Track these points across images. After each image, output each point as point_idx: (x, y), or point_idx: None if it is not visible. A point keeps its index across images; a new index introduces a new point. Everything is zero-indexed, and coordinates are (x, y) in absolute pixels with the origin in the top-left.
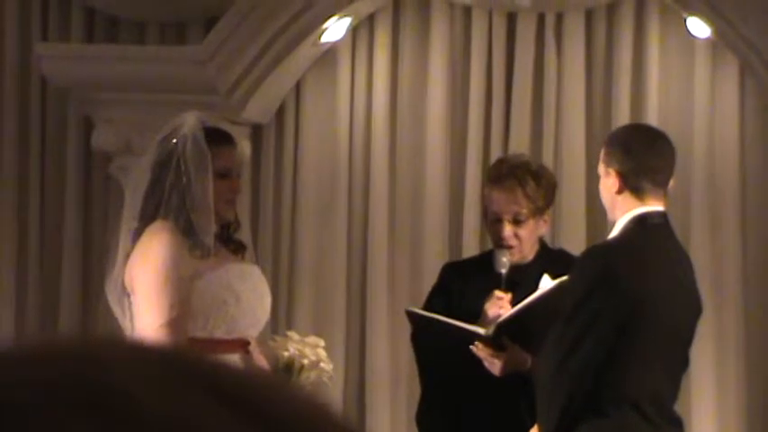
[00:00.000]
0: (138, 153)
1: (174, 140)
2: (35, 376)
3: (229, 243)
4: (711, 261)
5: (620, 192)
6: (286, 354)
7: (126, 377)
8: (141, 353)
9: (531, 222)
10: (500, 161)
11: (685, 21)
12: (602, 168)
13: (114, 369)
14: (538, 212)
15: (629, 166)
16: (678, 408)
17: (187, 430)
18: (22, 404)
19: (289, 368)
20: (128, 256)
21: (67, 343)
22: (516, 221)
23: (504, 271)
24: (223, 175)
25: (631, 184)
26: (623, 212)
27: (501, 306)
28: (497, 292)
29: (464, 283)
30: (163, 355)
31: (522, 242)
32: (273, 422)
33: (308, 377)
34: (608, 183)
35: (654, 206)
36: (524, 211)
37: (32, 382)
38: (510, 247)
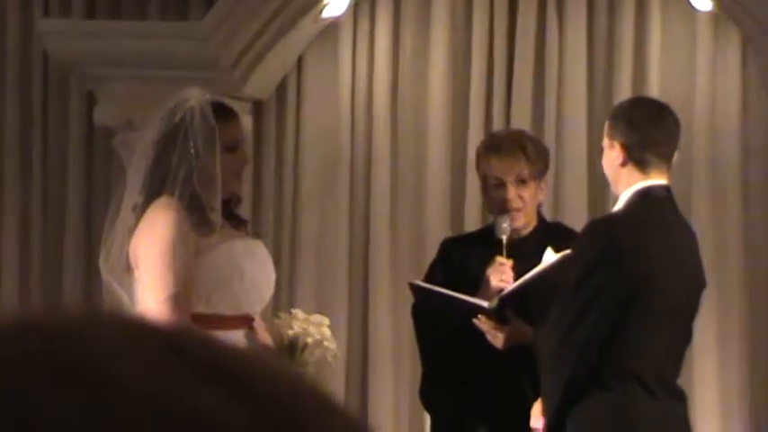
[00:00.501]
0: (140, 128)
1: (181, 115)
2: (9, 352)
3: (231, 218)
4: (713, 234)
5: (623, 164)
6: (290, 332)
7: (104, 349)
8: (124, 325)
9: (532, 185)
10: (491, 134)
11: None
12: (605, 141)
13: (90, 342)
14: (538, 175)
15: (634, 138)
16: (681, 381)
17: (169, 406)
18: None
19: (293, 346)
20: (130, 231)
21: (44, 317)
22: (520, 182)
23: (504, 237)
24: (231, 148)
25: (635, 157)
26: (626, 186)
27: (503, 272)
28: (499, 258)
29: (465, 254)
30: (147, 329)
31: (525, 204)
32: (262, 400)
33: (312, 355)
34: (611, 155)
35: (657, 180)
36: (526, 171)
37: (6, 357)
38: (516, 209)
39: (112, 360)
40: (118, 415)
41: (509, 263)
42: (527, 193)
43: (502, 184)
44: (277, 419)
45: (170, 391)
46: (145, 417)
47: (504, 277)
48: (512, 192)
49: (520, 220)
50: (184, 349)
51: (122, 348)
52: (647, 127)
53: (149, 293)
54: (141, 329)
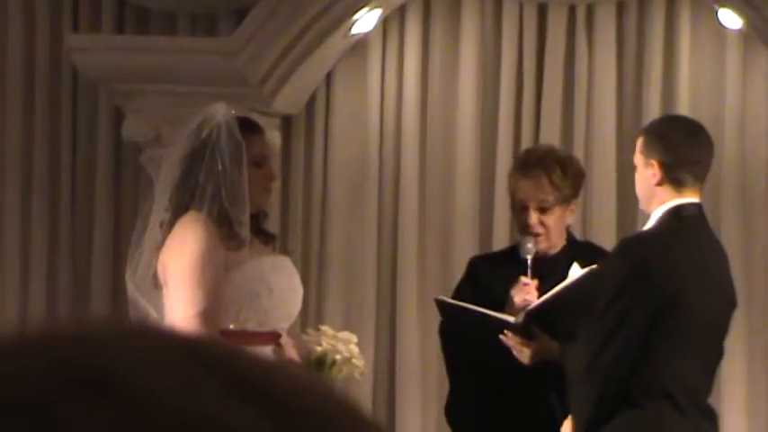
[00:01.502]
0: (168, 144)
1: (208, 131)
2: (35, 358)
3: (259, 234)
4: (742, 253)
5: (660, 183)
6: (319, 348)
7: (133, 361)
8: (151, 337)
9: (557, 210)
10: (527, 151)
11: (716, 12)
12: (640, 159)
13: (119, 353)
14: (564, 201)
15: (672, 157)
16: (710, 400)
17: (196, 420)
18: (21, 384)
19: (321, 363)
20: (158, 247)
21: (69, 328)
22: (542, 209)
23: (529, 257)
24: (258, 163)
25: (672, 176)
26: (659, 204)
27: (527, 292)
28: (523, 278)
29: (492, 273)
30: (176, 341)
31: (548, 230)
32: (291, 415)
33: (341, 372)
34: (647, 174)
35: (690, 198)
36: (550, 198)
37: (32, 364)
38: (537, 235)
39: (140, 372)
40: (145, 428)
41: (534, 283)
42: (550, 219)
43: (525, 208)
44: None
45: (197, 404)
46: (171, 430)
47: (528, 297)
48: (533, 217)
49: (542, 245)
50: (213, 362)
51: (151, 360)
52: (685, 145)
53: (178, 309)
54: (170, 341)
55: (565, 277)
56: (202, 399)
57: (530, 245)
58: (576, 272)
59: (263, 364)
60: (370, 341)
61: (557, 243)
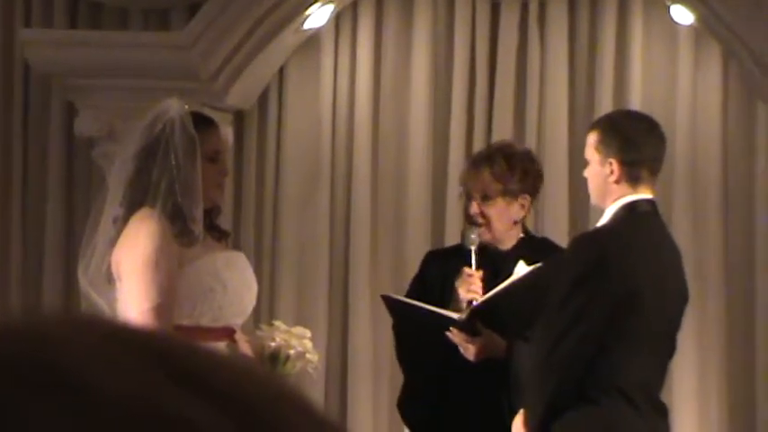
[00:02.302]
0: (121, 139)
1: (161, 126)
2: None
3: (212, 230)
4: (694, 248)
5: (617, 181)
6: (272, 344)
7: (76, 352)
8: (96, 329)
9: (500, 202)
10: (486, 146)
11: (669, 8)
12: (595, 156)
13: (61, 346)
14: (509, 194)
15: (632, 156)
16: (661, 394)
17: (145, 414)
18: None
19: (275, 358)
20: (112, 242)
21: (15, 322)
22: (484, 198)
23: (473, 248)
24: (212, 158)
25: (631, 174)
26: (614, 200)
27: (471, 283)
28: (467, 270)
29: (444, 269)
30: (128, 335)
31: (489, 221)
32: (243, 409)
33: (294, 367)
34: (604, 171)
35: (644, 194)
36: (491, 188)
37: None
38: (479, 225)
39: (90, 366)
40: (93, 421)
41: (478, 274)
42: (492, 210)
43: (469, 198)
44: (257, 429)
45: (146, 398)
46: (119, 423)
47: (472, 288)
48: (474, 207)
49: (485, 236)
50: (164, 356)
51: (101, 354)
52: (644, 143)
53: (132, 304)
54: (121, 335)
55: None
56: (152, 392)
57: (473, 235)
58: (521, 269)
59: (217, 360)
60: (323, 337)
61: (503, 237)
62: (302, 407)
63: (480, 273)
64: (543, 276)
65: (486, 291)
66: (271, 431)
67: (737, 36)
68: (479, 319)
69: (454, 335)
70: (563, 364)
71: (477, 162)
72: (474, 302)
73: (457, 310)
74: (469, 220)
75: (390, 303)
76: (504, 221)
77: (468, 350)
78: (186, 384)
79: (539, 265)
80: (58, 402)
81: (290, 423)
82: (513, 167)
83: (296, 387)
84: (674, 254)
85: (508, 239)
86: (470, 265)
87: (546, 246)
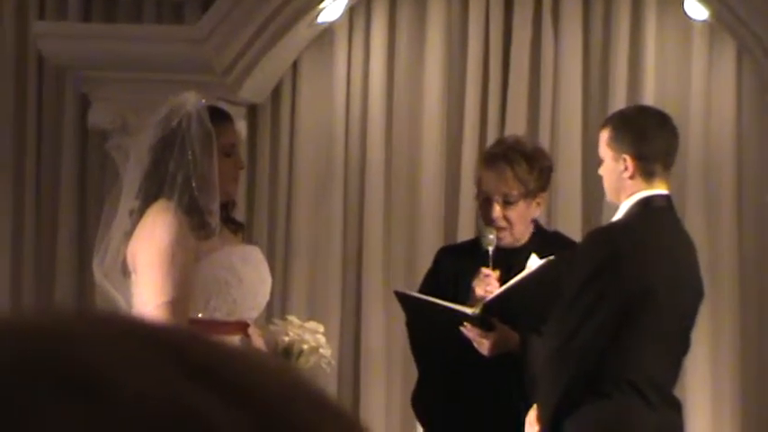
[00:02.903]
0: (135, 132)
1: (178, 119)
2: (3, 355)
3: (228, 223)
4: (707, 243)
5: (632, 177)
6: (286, 338)
7: (97, 352)
8: (114, 325)
9: (521, 204)
10: (496, 142)
11: (683, 3)
12: (608, 152)
13: (79, 343)
14: (529, 195)
15: (645, 151)
16: (675, 390)
17: (156, 406)
18: None
19: (288, 352)
20: (127, 235)
21: (33, 319)
22: (506, 203)
23: (490, 248)
24: (227, 152)
25: (645, 169)
26: (629, 195)
27: (488, 284)
28: (484, 270)
29: (458, 265)
30: (146, 331)
31: (512, 224)
32: (260, 404)
33: (308, 362)
34: (618, 167)
35: (659, 189)
36: (514, 192)
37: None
38: (500, 229)
39: (108, 362)
40: (110, 418)
41: (495, 274)
42: (514, 213)
43: (489, 201)
44: (274, 424)
45: (164, 394)
46: (136, 420)
47: (488, 288)
48: (497, 210)
49: (505, 239)
50: (182, 352)
51: (118, 350)
52: (656, 138)
53: (147, 297)
54: (139, 331)
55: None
56: (169, 389)
57: (491, 236)
58: (533, 263)
59: (236, 355)
60: (335, 331)
61: (521, 236)
62: (320, 402)
63: (497, 273)
64: (555, 269)
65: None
66: (288, 428)
67: (752, 31)
68: (493, 313)
69: (468, 330)
70: (575, 358)
71: (495, 163)
72: (487, 298)
73: (473, 307)
74: (489, 223)
75: (403, 299)
76: (525, 222)
77: (483, 345)
78: (204, 380)
79: (551, 258)
80: (75, 399)
81: (307, 419)
82: (532, 168)
83: (313, 382)
84: (688, 249)
85: (523, 237)
86: (487, 265)
87: (558, 240)
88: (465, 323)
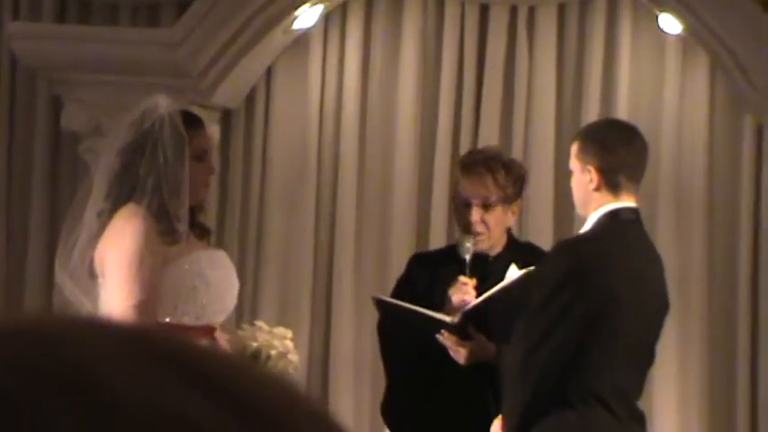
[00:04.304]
0: (108, 135)
1: (150, 123)
2: (1, 356)
3: (194, 228)
4: (677, 258)
5: (597, 188)
6: (254, 344)
7: (96, 357)
8: (107, 330)
9: (499, 209)
10: (471, 152)
11: (657, 17)
12: (576, 165)
13: (83, 348)
14: (506, 200)
15: (609, 162)
16: (641, 404)
17: (150, 410)
18: None
19: (256, 358)
20: (95, 236)
21: (32, 322)
22: (485, 206)
23: (468, 257)
24: (199, 157)
25: (610, 181)
26: (596, 208)
27: (465, 292)
28: (462, 278)
29: (431, 273)
30: (131, 332)
31: (490, 229)
32: (244, 404)
33: (276, 367)
34: (584, 179)
35: (627, 202)
36: (493, 197)
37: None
38: (478, 234)
39: (103, 366)
40: (103, 421)
41: (472, 282)
42: (492, 217)
43: (468, 205)
44: (262, 426)
45: (157, 399)
46: (130, 424)
47: (466, 297)
48: (476, 215)
49: (483, 244)
50: (176, 357)
51: (113, 355)
52: (621, 150)
53: (115, 301)
54: (134, 336)
55: (504, 278)
56: (163, 394)
57: (468, 244)
58: (513, 273)
59: (226, 361)
60: (305, 337)
61: (497, 243)
62: (312, 410)
63: (474, 281)
64: (533, 280)
65: (477, 297)
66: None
67: (725, 46)
68: (471, 322)
69: (445, 338)
70: (540, 369)
71: (475, 170)
72: (466, 307)
73: (449, 315)
74: (467, 229)
75: (381, 305)
76: (501, 228)
77: (459, 353)
78: (197, 386)
79: (530, 269)
80: (73, 400)
81: (300, 425)
82: (509, 174)
83: (302, 388)
84: (655, 262)
85: (497, 245)
86: (464, 273)
87: (531, 250)
88: (442, 331)
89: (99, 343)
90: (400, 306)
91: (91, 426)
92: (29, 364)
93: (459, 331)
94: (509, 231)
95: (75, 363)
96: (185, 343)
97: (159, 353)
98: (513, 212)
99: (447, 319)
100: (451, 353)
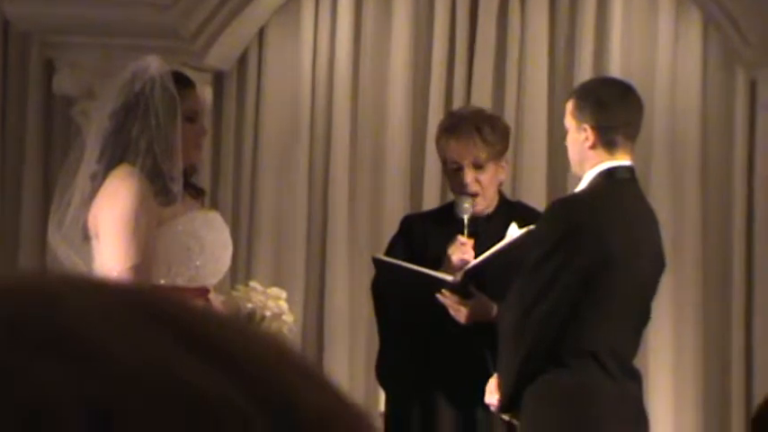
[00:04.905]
0: (100, 97)
1: (141, 84)
2: None
3: (188, 188)
4: (672, 217)
5: (593, 147)
6: (249, 305)
7: (84, 316)
8: (104, 291)
9: (491, 167)
10: (451, 113)
11: None
12: (572, 123)
13: (70, 307)
14: (496, 156)
15: (605, 120)
16: (636, 362)
17: (149, 375)
18: None
19: (250, 319)
20: (88, 198)
21: (20, 280)
22: (477, 166)
23: (466, 217)
24: (191, 118)
25: (605, 139)
26: (592, 166)
27: (464, 251)
28: (460, 238)
29: (425, 232)
30: (127, 294)
31: (483, 188)
32: (239, 365)
33: (270, 328)
34: (579, 137)
35: (622, 160)
36: (483, 155)
37: None
38: (473, 194)
39: (101, 330)
40: (102, 387)
41: (470, 242)
42: (485, 176)
43: (459, 168)
44: (259, 387)
45: (156, 363)
46: (128, 389)
47: (465, 256)
48: (469, 175)
49: (480, 205)
50: (173, 319)
51: (111, 318)
52: (617, 108)
53: (110, 264)
54: (131, 297)
55: (499, 236)
56: (162, 358)
57: (466, 204)
58: (513, 232)
59: (223, 322)
60: (299, 298)
61: (491, 202)
62: (307, 371)
63: (472, 241)
64: (533, 239)
65: (475, 257)
66: (278, 397)
67: (717, 2)
68: (472, 281)
69: (446, 297)
70: (535, 328)
71: (460, 130)
72: (466, 266)
73: (448, 274)
74: (461, 190)
75: (380, 265)
76: (495, 185)
77: (460, 312)
78: (196, 349)
79: (531, 227)
80: (70, 361)
81: (297, 387)
82: (495, 129)
83: (299, 350)
84: (650, 220)
85: (491, 204)
86: (462, 233)
87: (523, 209)
88: (443, 290)
89: (95, 306)
90: (400, 266)
91: (88, 385)
92: (23, 327)
93: (461, 290)
94: (500, 191)
95: (70, 326)
96: (181, 304)
97: (154, 314)
98: (503, 167)
99: (448, 278)
100: (452, 312)
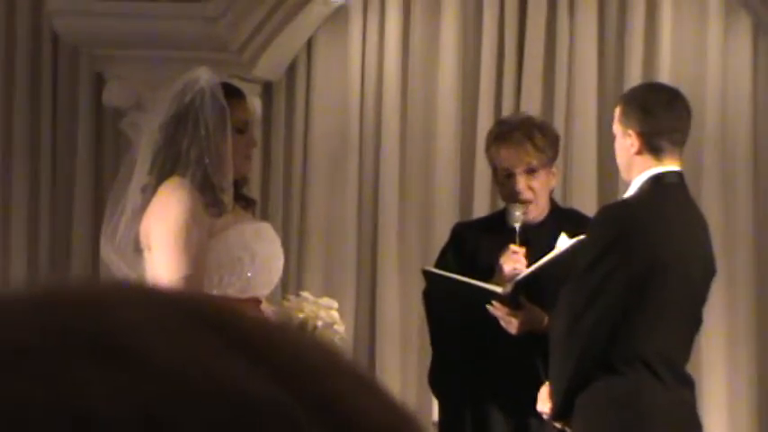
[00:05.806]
0: (149, 109)
1: (191, 96)
2: (37, 320)
3: (239, 200)
4: (722, 221)
5: (639, 152)
6: (300, 315)
7: (134, 322)
8: (155, 298)
9: (542, 173)
10: (500, 121)
11: None
12: (618, 129)
13: (120, 313)
14: (547, 163)
15: (649, 126)
16: (689, 368)
17: (197, 380)
18: (23, 348)
19: (302, 329)
20: (140, 210)
21: (71, 288)
22: (529, 172)
23: (517, 225)
24: (240, 129)
25: (651, 145)
26: (639, 172)
27: (516, 261)
28: (512, 247)
29: (476, 241)
30: (179, 301)
31: (536, 195)
32: (292, 373)
33: (321, 338)
34: (626, 143)
35: (671, 166)
36: (535, 161)
37: (34, 326)
38: (526, 201)
39: (147, 335)
40: (149, 392)
41: (522, 251)
42: (537, 182)
43: (511, 175)
44: (309, 394)
45: (203, 366)
46: (176, 395)
47: (517, 265)
48: (521, 183)
49: (533, 212)
50: (222, 325)
51: (158, 323)
52: (662, 113)
53: (162, 275)
54: (178, 304)
55: (551, 244)
56: (210, 364)
57: (518, 213)
58: (563, 242)
59: (272, 329)
60: (350, 308)
61: (544, 210)
62: (361, 379)
63: (524, 250)
64: (582, 248)
65: (527, 265)
66: (328, 404)
67: (767, 7)
68: (523, 292)
69: (497, 308)
70: (585, 335)
71: (512, 137)
72: (517, 277)
73: (499, 285)
74: (514, 198)
75: (430, 277)
76: (546, 192)
77: (511, 324)
78: (244, 355)
79: (581, 237)
80: (118, 368)
81: (351, 396)
82: (546, 136)
83: (351, 357)
84: (700, 226)
85: (542, 212)
86: (514, 242)
87: (575, 216)
88: (493, 301)
89: (141, 312)
90: (450, 278)
91: (136, 392)
92: (71, 334)
93: (511, 301)
94: (551, 197)
95: (117, 332)
96: (233, 311)
97: (203, 321)
98: (554, 174)
99: (498, 289)
100: (503, 323)
